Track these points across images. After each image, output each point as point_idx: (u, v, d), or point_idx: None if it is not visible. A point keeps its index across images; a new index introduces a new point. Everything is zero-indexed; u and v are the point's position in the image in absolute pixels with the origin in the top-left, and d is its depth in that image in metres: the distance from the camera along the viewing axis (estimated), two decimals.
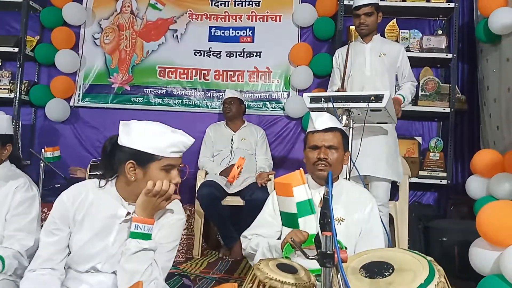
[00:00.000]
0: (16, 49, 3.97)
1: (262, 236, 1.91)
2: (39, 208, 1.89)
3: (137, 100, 4.17)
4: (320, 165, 1.84)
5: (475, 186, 2.94)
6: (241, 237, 2.01)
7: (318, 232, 1.19)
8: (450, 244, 2.83)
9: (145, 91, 4.18)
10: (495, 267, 1.93)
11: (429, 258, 1.32)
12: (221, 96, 4.05)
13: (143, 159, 1.42)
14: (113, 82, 4.22)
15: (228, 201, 3.34)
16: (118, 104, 4.17)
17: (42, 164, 3.41)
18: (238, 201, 3.32)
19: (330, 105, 2.42)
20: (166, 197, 1.45)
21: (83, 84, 4.23)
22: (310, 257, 1.21)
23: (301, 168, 1.38)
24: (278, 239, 1.88)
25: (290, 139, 4.10)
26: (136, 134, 1.44)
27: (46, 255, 1.50)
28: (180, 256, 3.12)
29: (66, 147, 4.03)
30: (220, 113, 4.01)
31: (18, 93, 3.96)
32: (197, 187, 3.39)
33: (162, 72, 4.19)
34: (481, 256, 2.02)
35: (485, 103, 3.64)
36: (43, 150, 3.48)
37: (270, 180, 3.34)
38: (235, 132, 3.67)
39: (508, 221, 1.92)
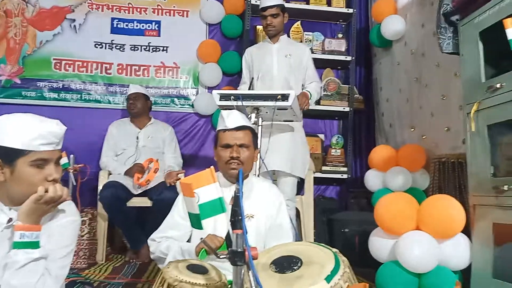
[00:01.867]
0: None
1: (172, 238, 1.84)
2: None
3: (28, 95, 3.80)
4: (233, 163, 1.83)
5: (372, 179, 3.17)
6: (148, 241, 1.92)
7: (228, 231, 1.17)
8: (351, 235, 3.02)
9: (38, 84, 3.82)
10: (391, 255, 2.09)
11: (334, 249, 1.37)
12: (124, 92, 3.85)
13: (8, 155, 1.26)
14: (0, 74, 3.78)
15: (134, 202, 3.18)
16: (6, 98, 3.76)
17: None
18: (145, 202, 3.18)
19: (240, 103, 2.43)
20: (59, 202, 1.32)
21: None
22: (221, 257, 1.19)
23: (212, 166, 1.35)
24: (188, 241, 1.83)
25: (200, 137, 4.05)
26: (0, 129, 1.28)
27: None
28: (82, 263, 2.89)
29: None
30: (123, 109, 3.81)
31: None
32: (100, 189, 3.19)
33: (58, 64, 3.86)
34: (379, 245, 2.17)
35: (378, 102, 3.96)
36: None
37: (179, 179, 3.25)
38: (141, 129, 3.51)
39: (402, 211, 2.09)
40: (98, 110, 3.91)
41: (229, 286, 1.37)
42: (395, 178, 2.95)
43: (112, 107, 3.91)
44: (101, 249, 3.13)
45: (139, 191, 3.19)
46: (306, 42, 3.92)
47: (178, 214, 1.89)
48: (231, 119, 1.88)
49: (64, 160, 3.07)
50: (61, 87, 3.85)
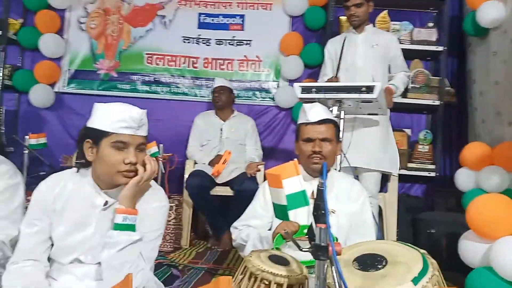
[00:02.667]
0: None
1: (252, 227, 1.89)
2: (24, 196, 1.82)
3: (123, 87, 4.09)
4: (315, 158, 1.82)
5: (463, 178, 2.95)
6: (231, 228, 1.98)
7: (311, 224, 1.16)
8: (438, 236, 2.85)
9: (132, 78, 4.10)
10: (484, 260, 1.94)
11: (422, 250, 1.30)
12: (210, 85, 3.99)
13: (96, 136, 1.39)
14: (99, 68, 4.12)
15: (217, 191, 3.31)
16: (104, 90, 4.09)
17: (26, 151, 3.32)
18: (227, 191, 3.29)
19: (321, 95, 2.40)
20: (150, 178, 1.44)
21: (68, 69, 4.13)
22: (303, 250, 1.19)
23: (295, 159, 1.35)
24: (268, 230, 1.86)
25: (280, 130, 4.07)
26: (94, 113, 1.43)
27: (27, 246, 1.46)
28: (168, 246, 3.08)
29: (51, 134, 3.93)
30: (209, 101, 3.95)
31: (1, 78, 3.84)
32: (186, 177, 3.36)
33: (150, 58, 4.11)
34: (471, 249, 2.02)
35: (472, 96, 3.66)
36: (27, 136, 3.39)
37: (259, 170, 3.31)
38: (224, 121, 3.62)
39: (498, 214, 1.93)
40: (185, 102, 4.09)
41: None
42: (489, 178, 2.72)
43: (199, 100, 4.08)
44: (185, 234, 3.30)
45: (222, 180, 3.30)
46: (393, 32, 3.74)
47: (259, 205, 1.93)
48: (313, 112, 1.86)
49: (154, 149, 3.29)
50: (152, 80, 4.10)
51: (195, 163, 3.51)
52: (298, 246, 1.22)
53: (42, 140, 3.42)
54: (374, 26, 3.34)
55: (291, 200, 1.26)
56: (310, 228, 1.18)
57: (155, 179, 3.32)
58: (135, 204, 1.41)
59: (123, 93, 4.07)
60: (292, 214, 1.71)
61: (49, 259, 1.49)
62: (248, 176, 3.23)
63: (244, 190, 3.13)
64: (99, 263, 1.40)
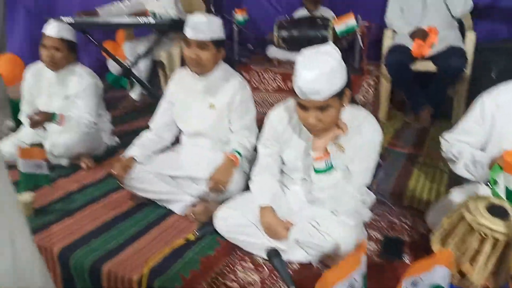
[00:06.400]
0: None
1: (464, 143, 1.83)
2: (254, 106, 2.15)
3: None
4: None
5: None
6: (440, 138, 1.97)
7: None
8: None
9: None
10: None
11: None
12: None
13: None
14: None
15: (418, 66, 3.14)
16: None
17: (235, 28, 3.64)
18: (430, 67, 3.10)
19: None
20: None
21: None
22: None
23: None
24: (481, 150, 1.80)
25: None
26: None
27: (264, 163, 1.80)
28: None
29: (250, 2, 4.14)
30: None
31: None
32: (383, 47, 3.27)
33: None
34: None
35: None
36: (233, 11, 3.66)
37: None
38: None
39: None
40: None
41: None
42: None
43: None
44: (383, 108, 3.37)
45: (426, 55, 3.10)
46: None
47: (474, 120, 1.82)
48: None
49: (351, 22, 3.19)
50: None
51: (394, 31, 3.32)
52: None
53: (245, 15, 3.66)
54: None
55: None
56: None
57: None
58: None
59: None
60: None
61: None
62: (455, 52, 2.94)
63: (450, 67, 2.93)
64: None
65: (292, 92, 1.53)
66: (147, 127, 2.22)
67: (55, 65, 2.53)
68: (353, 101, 1.65)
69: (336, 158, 1.60)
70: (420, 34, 3.03)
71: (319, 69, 1.41)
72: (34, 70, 2.66)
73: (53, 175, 2.41)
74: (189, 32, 1.96)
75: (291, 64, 3.58)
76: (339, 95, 1.48)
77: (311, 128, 1.54)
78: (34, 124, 2.48)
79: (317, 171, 1.57)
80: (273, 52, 3.78)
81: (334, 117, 1.51)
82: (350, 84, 1.56)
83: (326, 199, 1.62)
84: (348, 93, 1.54)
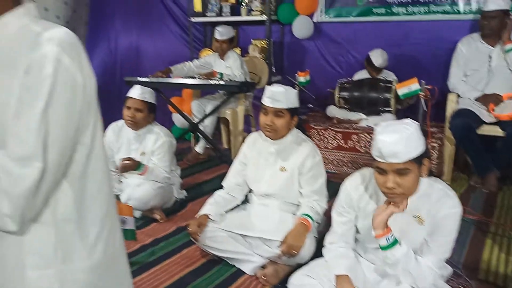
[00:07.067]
0: None
1: None
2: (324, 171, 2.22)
3: (379, 11, 3.98)
4: None
5: None
6: None
7: None
8: None
9: (387, 0, 3.92)
10: None
11: None
12: None
13: None
14: None
15: (485, 130, 3.11)
16: (359, 17, 4.09)
17: (297, 88, 3.78)
18: (497, 131, 3.06)
19: None
20: None
21: None
22: None
23: None
24: None
25: None
26: None
27: (340, 231, 1.82)
28: None
29: (311, 64, 4.31)
30: (473, 20, 3.51)
31: (268, 14, 4.24)
32: (447, 111, 3.27)
33: None
34: None
35: None
36: (296, 74, 3.83)
37: None
38: (493, 47, 3.20)
39: None
40: (445, 22, 3.74)
41: None
42: None
43: (461, 18, 3.66)
44: (447, 170, 3.31)
45: (492, 120, 3.08)
46: None
47: None
48: None
49: (415, 87, 3.24)
50: (410, 0, 3.83)
51: (458, 96, 3.33)
52: None
53: (308, 77, 3.81)
54: None
55: None
56: None
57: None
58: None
59: (378, 18, 3.98)
60: None
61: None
62: None
63: None
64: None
65: (368, 162, 1.57)
66: (212, 180, 2.32)
67: (135, 125, 2.75)
68: (431, 173, 1.68)
69: (414, 230, 1.61)
70: (493, 99, 3.04)
71: (398, 133, 1.47)
72: (115, 127, 2.89)
73: None
74: (267, 101, 2.10)
75: (350, 123, 3.70)
76: (418, 161, 1.51)
77: (388, 193, 1.55)
78: (124, 168, 2.69)
79: (382, 248, 1.60)
80: (333, 111, 3.87)
81: (412, 183, 1.52)
82: (429, 155, 1.59)
83: (401, 274, 1.62)
84: (427, 163, 1.56)
